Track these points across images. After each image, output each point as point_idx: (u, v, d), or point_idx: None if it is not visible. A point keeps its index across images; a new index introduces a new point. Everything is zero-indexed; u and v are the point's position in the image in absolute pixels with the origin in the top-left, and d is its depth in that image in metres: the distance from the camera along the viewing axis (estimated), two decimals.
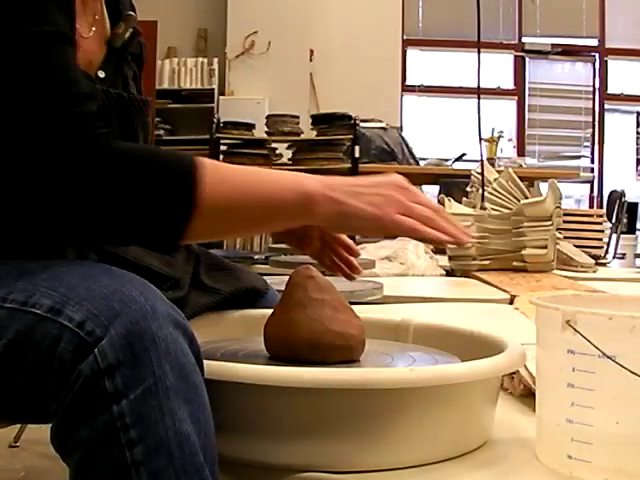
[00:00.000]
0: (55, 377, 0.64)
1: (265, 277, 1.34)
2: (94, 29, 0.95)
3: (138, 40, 1.04)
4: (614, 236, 3.13)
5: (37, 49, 0.74)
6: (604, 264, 2.54)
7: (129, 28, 1.00)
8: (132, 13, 1.00)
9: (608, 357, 0.67)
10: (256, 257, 2.83)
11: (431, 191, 4.63)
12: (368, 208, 0.75)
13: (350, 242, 0.97)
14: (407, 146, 4.88)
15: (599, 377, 0.68)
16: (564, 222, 2.21)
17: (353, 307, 0.89)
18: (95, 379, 0.62)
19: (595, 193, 6.77)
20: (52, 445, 0.66)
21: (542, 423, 0.75)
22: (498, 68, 6.74)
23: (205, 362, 0.70)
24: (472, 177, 2.57)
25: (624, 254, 3.43)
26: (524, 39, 6.80)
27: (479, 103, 2.22)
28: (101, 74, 0.95)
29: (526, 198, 2.19)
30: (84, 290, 0.66)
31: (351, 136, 3.98)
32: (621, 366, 0.66)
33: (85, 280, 0.68)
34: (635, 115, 6.82)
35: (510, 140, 6.29)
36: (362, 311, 0.92)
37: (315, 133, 4.12)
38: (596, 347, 0.68)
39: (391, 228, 0.75)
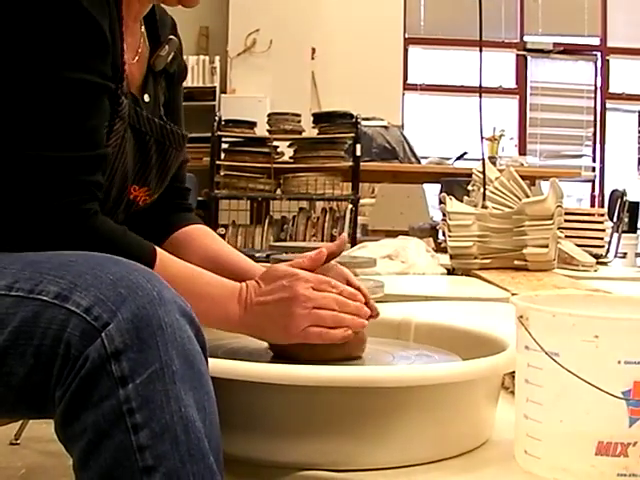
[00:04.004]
0: (62, 362, 0.64)
1: None
2: (140, 51, 0.99)
3: (179, 62, 1.09)
4: (615, 235, 3.12)
5: (71, 98, 0.81)
6: (605, 263, 2.53)
7: (172, 51, 1.05)
8: (174, 37, 1.06)
9: (546, 353, 0.67)
10: (257, 255, 2.84)
11: (432, 190, 4.63)
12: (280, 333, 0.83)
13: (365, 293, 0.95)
14: (408, 144, 4.88)
15: (546, 374, 0.68)
16: (565, 221, 2.20)
17: None
18: (102, 363, 0.63)
19: (596, 192, 6.76)
20: (56, 433, 0.66)
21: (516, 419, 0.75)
22: (500, 67, 6.74)
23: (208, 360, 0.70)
24: (473, 176, 2.56)
25: (625, 253, 3.42)
26: (526, 38, 6.79)
27: (481, 102, 2.22)
28: (147, 98, 1.00)
29: (527, 197, 2.18)
30: (91, 277, 0.67)
31: (352, 134, 3.97)
32: (558, 364, 0.66)
33: (92, 268, 0.68)
34: (637, 114, 6.81)
35: (512, 139, 6.28)
36: None
37: (316, 131, 4.12)
38: (537, 343, 0.68)
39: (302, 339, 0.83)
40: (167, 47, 1.04)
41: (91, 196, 0.83)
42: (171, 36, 1.06)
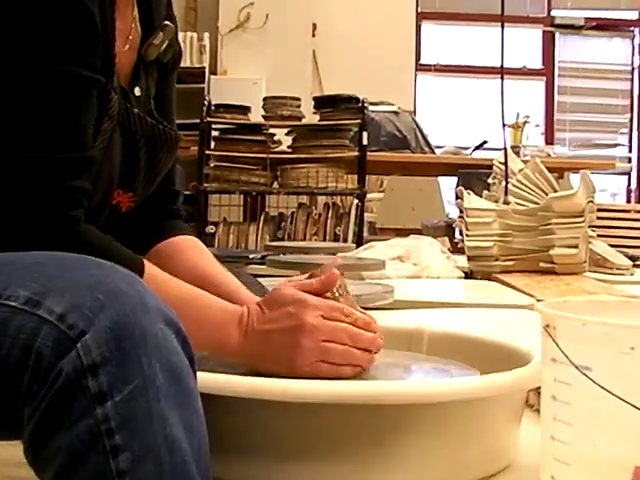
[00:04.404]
0: (32, 376, 0.64)
1: (262, 279, 1.34)
2: (130, 38, 0.99)
3: (174, 50, 1.09)
4: None
5: (58, 94, 0.82)
6: None
7: (166, 39, 1.04)
8: (170, 23, 1.05)
9: (576, 367, 0.66)
10: (251, 256, 2.84)
11: (448, 183, 4.63)
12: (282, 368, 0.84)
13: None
14: (421, 132, 4.88)
15: (575, 390, 0.68)
16: (598, 218, 2.21)
17: None
18: (77, 378, 0.62)
19: (633, 186, 6.76)
20: (25, 457, 0.66)
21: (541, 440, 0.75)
22: (524, 45, 6.74)
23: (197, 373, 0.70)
24: (494, 168, 2.57)
25: None
26: (554, 12, 6.79)
27: (502, 84, 2.22)
28: (137, 92, 1.00)
29: (555, 191, 2.18)
30: (66, 281, 0.67)
31: (359, 121, 3.97)
32: (589, 379, 0.66)
33: (67, 271, 0.69)
34: None
35: (537, 126, 6.28)
36: None
37: (318, 117, 4.12)
38: (566, 355, 0.67)
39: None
40: (161, 34, 1.03)
41: (76, 203, 0.84)
42: (166, 21, 1.05)
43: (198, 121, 4.05)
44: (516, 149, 4.48)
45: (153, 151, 1.01)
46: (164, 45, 1.04)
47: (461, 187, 2.28)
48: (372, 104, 4.33)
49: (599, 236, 2.30)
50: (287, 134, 4.20)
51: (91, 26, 0.84)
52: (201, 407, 0.67)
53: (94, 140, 0.88)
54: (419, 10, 6.55)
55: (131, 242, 0.92)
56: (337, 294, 0.88)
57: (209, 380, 0.74)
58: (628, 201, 6.56)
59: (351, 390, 0.73)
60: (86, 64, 0.84)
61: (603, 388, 0.66)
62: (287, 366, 0.83)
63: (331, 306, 0.86)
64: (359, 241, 3.67)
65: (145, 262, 0.87)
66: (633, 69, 6.85)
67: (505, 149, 2.31)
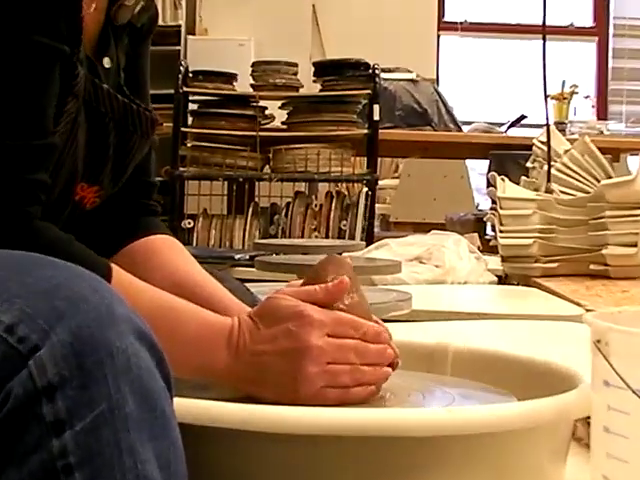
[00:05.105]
0: None
1: (250, 285, 1.34)
2: None
3: (149, 15, 1.09)
4: None
5: (14, 68, 0.84)
6: None
7: (141, 0, 1.04)
8: None
9: (634, 392, 0.66)
10: (238, 257, 2.85)
11: (478, 167, 4.63)
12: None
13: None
14: (445, 105, 4.88)
15: (633, 420, 0.67)
16: None
17: None
18: (29, 402, 0.63)
19: None
20: None
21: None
22: None
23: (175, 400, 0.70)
24: (534, 148, 2.57)
25: None
26: None
27: (545, 46, 2.23)
28: (107, 63, 1.01)
29: (609, 177, 2.19)
30: (16, 284, 0.67)
31: (369, 91, 3.98)
32: None
33: (19, 273, 0.69)
34: None
35: (587, 97, 6.28)
36: None
37: (319, 87, 4.12)
38: (621, 377, 0.67)
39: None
40: None
41: (32, 199, 0.85)
42: None
43: (172, 92, 4.06)
44: (561, 126, 4.48)
45: (124, 136, 1.02)
46: (138, 7, 1.04)
47: (494, 172, 2.28)
48: (385, 71, 4.34)
49: None
50: (281, 107, 4.20)
51: None
52: (179, 439, 0.67)
53: (55, 124, 0.89)
54: None
55: (98, 243, 0.92)
56: (347, 301, 0.89)
57: (190, 407, 0.75)
58: None
59: (359, 419, 0.73)
60: (47, 30, 0.84)
61: None
62: (288, 395, 0.83)
63: (338, 320, 0.86)
64: (369, 238, 3.67)
65: (113, 266, 0.87)
66: None
67: (547, 125, 2.32)
